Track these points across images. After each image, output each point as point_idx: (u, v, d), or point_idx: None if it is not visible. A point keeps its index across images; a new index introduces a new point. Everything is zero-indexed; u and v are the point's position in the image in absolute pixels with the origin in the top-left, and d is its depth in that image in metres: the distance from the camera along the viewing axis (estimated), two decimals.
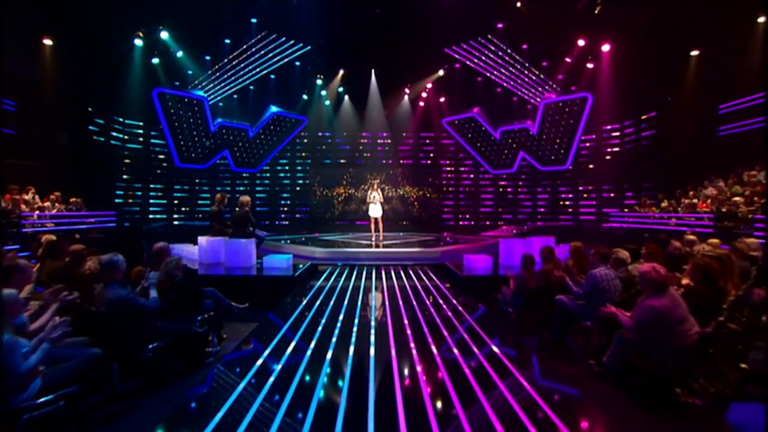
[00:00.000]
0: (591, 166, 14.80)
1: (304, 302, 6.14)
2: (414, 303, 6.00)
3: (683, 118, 11.17)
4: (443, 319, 5.14)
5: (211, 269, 7.43)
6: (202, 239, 8.00)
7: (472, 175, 17.28)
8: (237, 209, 7.98)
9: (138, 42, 11.72)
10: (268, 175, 16.94)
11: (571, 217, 15.40)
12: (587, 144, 14.77)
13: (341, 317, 5.35)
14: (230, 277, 6.78)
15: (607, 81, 12.42)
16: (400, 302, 6.06)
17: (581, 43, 12.49)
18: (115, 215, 11.63)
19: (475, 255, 8.03)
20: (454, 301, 6.08)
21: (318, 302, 6.12)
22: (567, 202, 15.62)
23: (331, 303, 6.07)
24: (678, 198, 11.09)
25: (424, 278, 7.82)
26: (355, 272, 8.37)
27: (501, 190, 16.85)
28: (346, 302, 6.11)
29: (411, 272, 8.37)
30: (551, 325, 4.76)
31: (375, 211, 11.16)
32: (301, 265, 7.85)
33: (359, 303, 6.03)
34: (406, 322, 5.09)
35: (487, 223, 16.95)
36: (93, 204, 11.13)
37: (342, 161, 17.48)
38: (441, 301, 6.11)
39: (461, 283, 6.96)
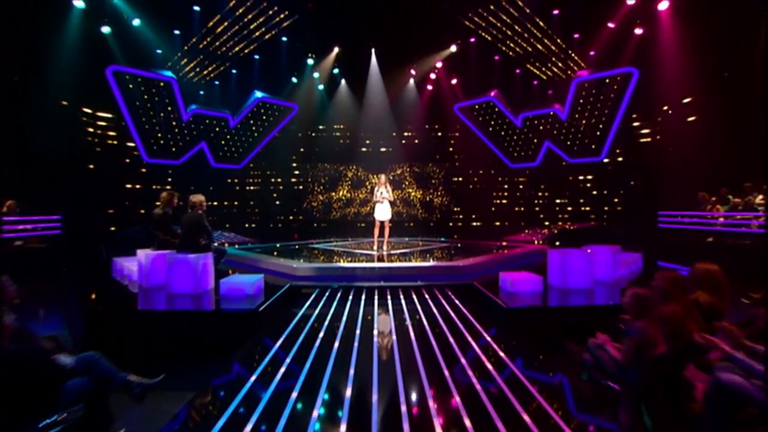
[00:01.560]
0: (629, 156, 12.54)
1: (272, 353, 3.98)
2: (439, 359, 3.81)
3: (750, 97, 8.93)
4: (496, 400, 2.95)
5: (152, 298, 5.27)
6: (141, 254, 5.83)
7: (491, 171, 15.03)
8: (188, 212, 5.80)
9: (78, 2, 9.47)
10: (259, 173, 14.75)
11: (594, 217, 13.14)
12: (632, 129, 12.44)
13: (325, 384, 3.19)
14: (160, 314, 4.61)
15: (664, 52, 10.11)
16: (418, 358, 3.87)
17: (631, 1, 10.16)
18: (60, 219, 9.48)
19: (515, 273, 5.83)
20: (503, 356, 3.89)
21: (292, 354, 3.96)
22: (608, 201, 13.36)
23: (311, 356, 3.90)
24: (747, 192, 8.91)
25: (447, 307, 5.62)
26: (351, 297, 6.18)
27: (521, 187, 14.59)
28: (333, 355, 3.93)
29: (427, 296, 6.17)
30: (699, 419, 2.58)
31: (382, 212, 8.98)
32: (276, 288, 5.68)
33: (353, 360, 3.84)
34: (431, 402, 2.91)
35: (505, 224, 14.71)
36: (35, 207, 9.01)
37: (339, 157, 15.28)
38: (481, 354, 3.92)
39: (505, 318, 4.77)
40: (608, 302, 4.99)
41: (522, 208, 14.60)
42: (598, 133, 11.98)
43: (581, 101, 12.03)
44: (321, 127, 15.11)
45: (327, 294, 6.34)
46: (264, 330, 4.70)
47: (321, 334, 4.57)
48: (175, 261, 5.37)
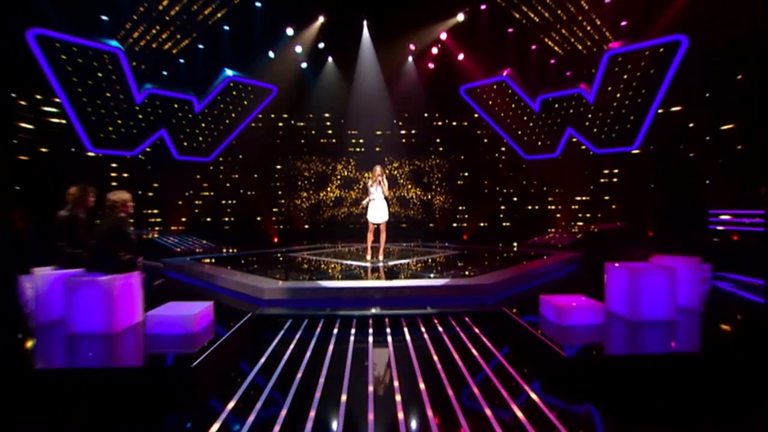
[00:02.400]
0: (667, 144, 11.21)
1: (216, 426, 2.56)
2: None
3: None
4: None
5: (44, 342, 3.81)
6: (37, 274, 4.33)
7: (501, 164, 13.65)
8: (106, 216, 4.32)
9: None
10: (233, 168, 13.22)
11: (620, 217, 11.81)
12: (672, 112, 11.12)
13: None
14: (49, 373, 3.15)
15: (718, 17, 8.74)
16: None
17: None
18: None
19: (561, 297, 4.43)
20: None
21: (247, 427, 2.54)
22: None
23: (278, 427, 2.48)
24: None
25: (469, 345, 4.21)
26: (336, 331, 4.75)
27: (535, 182, 13.21)
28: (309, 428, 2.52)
29: (440, 328, 4.76)
30: None
31: (376, 213, 7.60)
32: (233, 319, 4.23)
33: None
34: None
35: (517, 225, 13.35)
36: None
37: (327, 149, 13.82)
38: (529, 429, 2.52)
39: (560, 367, 3.36)
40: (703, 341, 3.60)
41: (536, 206, 13.24)
42: (632, 117, 10.63)
43: (613, 79, 10.67)
44: (306, 115, 13.64)
45: (304, 326, 4.90)
46: (209, 386, 3.27)
47: (290, 395, 3.15)
48: (78, 286, 3.89)
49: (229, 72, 11.98)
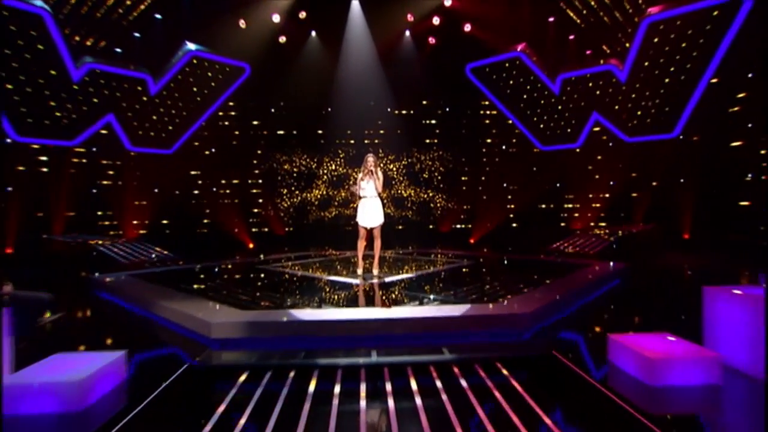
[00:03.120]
0: (713, 131, 9.98)
1: None
2: None
3: None
4: None
5: None
6: None
7: (511, 157, 12.37)
8: None
9: None
10: (200, 163, 11.77)
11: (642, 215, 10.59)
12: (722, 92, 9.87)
13: None
14: None
15: None
16: None
17: None
18: None
19: (642, 336, 3.14)
20: None
21: None
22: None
23: None
24: None
25: (511, 414, 2.88)
26: (312, 390, 3.40)
27: (553, 177, 11.96)
28: None
29: (463, 381, 3.43)
30: None
31: (368, 215, 6.40)
32: (160, 375, 2.87)
33: None
34: None
35: (530, 226, 12.09)
36: None
37: (312, 143, 12.46)
38: None
39: None
40: None
41: (551, 205, 11.98)
42: (674, 98, 9.40)
43: (651, 52, 9.42)
44: (286, 100, 12.23)
45: (266, 380, 3.56)
46: None
47: None
48: None
49: (191, 46, 10.56)
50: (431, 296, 5.15)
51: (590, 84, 10.52)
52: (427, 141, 12.66)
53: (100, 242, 9.20)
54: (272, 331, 4.02)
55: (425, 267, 7.75)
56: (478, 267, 7.75)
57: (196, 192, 11.63)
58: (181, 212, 11.44)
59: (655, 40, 9.26)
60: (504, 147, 12.27)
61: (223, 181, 11.94)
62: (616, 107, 10.25)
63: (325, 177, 12.45)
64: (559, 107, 11.13)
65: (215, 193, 11.88)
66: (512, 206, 12.36)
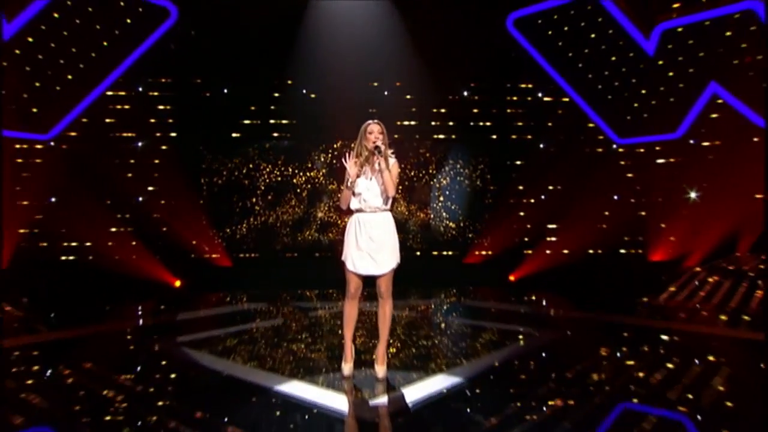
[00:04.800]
0: None
1: None
2: None
3: None
4: None
5: None
6: None
7: (562, 153, 9.18)
8: None
9: None
10: (104, 153, 8.32)
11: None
12: None
13: None
14: None
15: None
16: None
17: None
18: None
19: None
20: None
21: None
22: None
23: None
24: None
25: None
26: None
27: (636, 185, 8.80)
28: None
29: None
30: None
31: (365, 250, 3.36)
32: None
33: None
34: None
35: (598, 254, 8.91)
36: None
37: (280, 134, 9.10)
38: None
39: None
40: None
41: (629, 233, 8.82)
42: None
43: None
44: (238, 72, 8.64)
45: None
46: None
47: None
48: None
49: None
50: None
51: (711, 37, 7.51)
52: (442, 136, 9.39)
53: None
54: None
55: (477, 348, 4.51)
56: (575, 346, 4.54)
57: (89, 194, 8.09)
58: (69, 227, 8.04)
59: None
60: (557, 141, 9.09)
61: (135, 183, 8.55)
62: (751, 74, 7.24)
63: (300, 185, 9.11)
64: (653, 76, 8.12)
65: (120, 203, 8.48)
66: (550, 227, 9.17)
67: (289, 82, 8.87)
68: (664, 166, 8.52)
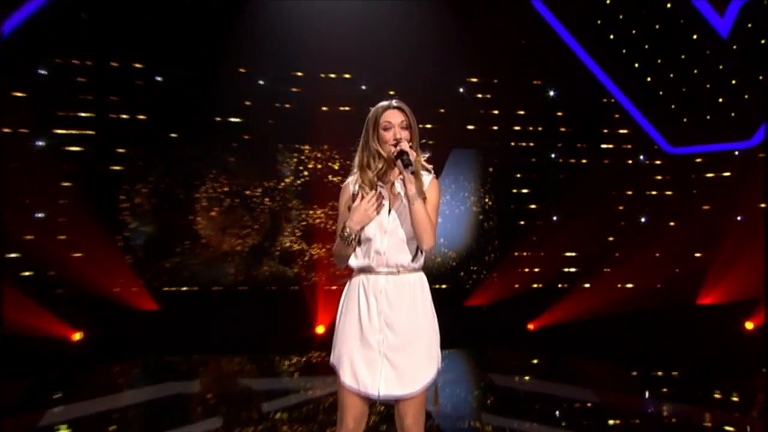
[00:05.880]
0: None
1: None
2: None
3: None
4: None
5: None
6: None
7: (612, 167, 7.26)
8: None
9: None
10: None
11: None
12: None
13: None
14: None
15: None
16: None
17: None
18: None
19: None
20: None
21: None
22: None
23: None
24: None
25: None
26: None
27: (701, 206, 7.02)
28: None
29: None
30: None
31: (377, 350, 1.67)
32: None
33: None
34: None
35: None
36: None
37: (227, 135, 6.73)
38: None
39: None
40: None
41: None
42: None
43: None
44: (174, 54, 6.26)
45: None
46: None
47: None
48: None
49: None
50: None
51: None
52: (430, 142, 7.24)
53: None
54: None
55: None
56: None
57: None
58: None
59: None
60: (606, 147, 7.22)
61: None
62: None
63: (255, 200, 6.77)
64: (723, 66, 6.42)
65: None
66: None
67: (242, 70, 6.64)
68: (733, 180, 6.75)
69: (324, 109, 6.23)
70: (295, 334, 6.07)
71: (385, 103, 1.81)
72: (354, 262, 1.85)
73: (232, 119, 6.56)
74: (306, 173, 6.66)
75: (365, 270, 1.84)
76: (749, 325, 6.56)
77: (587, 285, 7.10)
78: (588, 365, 5.90)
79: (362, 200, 1.71)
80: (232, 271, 6.74)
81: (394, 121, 1.77)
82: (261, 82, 6.47)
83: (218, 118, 6.67)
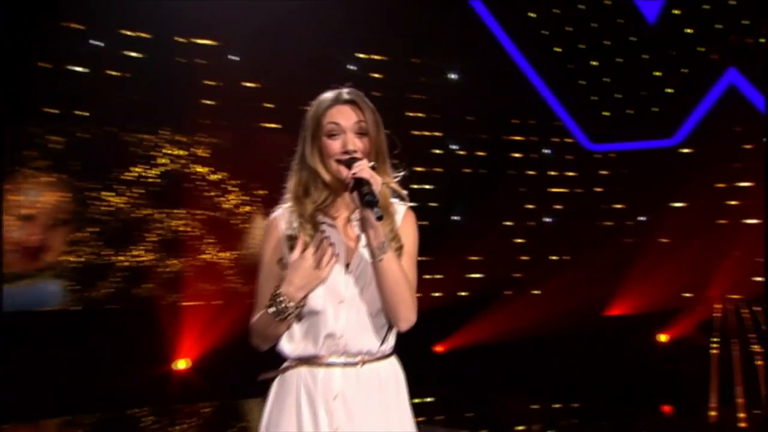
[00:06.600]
0: None
1: None
2: None
3: None
4: None
5: None
6: None
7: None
8: None
9: None
10: None
11: None
12: None
13: None
14: None
15: None
16: None
17: None
18: None
19: None
20: None
21: None
22: None
23: None
24: None
25: None
26: None
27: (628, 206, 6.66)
28: None
29: None
30: None
31: None
32: None
33: None
34: None
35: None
36: None
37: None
38: None
39: None
40: None
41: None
42: None
43: None
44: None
45: None
46: None
47: None
48: None
49: None
50: None
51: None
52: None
53: None
54: None
55: None
56: None
57: None
58: None
59: None
60: (524, 146, 6.61)
61: None
62: None
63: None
64: (651, 57, 5.99)
65: None
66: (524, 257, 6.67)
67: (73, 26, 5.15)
68: (651, 176, 6.43)
69: (185, 83, 4.96)
70: (146, 371, 4.79)
71: (329, 95, 1.20)
72: (289, 347, 1.23)
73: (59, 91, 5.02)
74: (164, 162, 5.33)
75: (309, 361, 1.25)
76: (663, 338, 6.26)
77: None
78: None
79: (305, 251, 1.13)
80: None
81: (344, 123, 1.18)
82: (97, 43, 4.99)
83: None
